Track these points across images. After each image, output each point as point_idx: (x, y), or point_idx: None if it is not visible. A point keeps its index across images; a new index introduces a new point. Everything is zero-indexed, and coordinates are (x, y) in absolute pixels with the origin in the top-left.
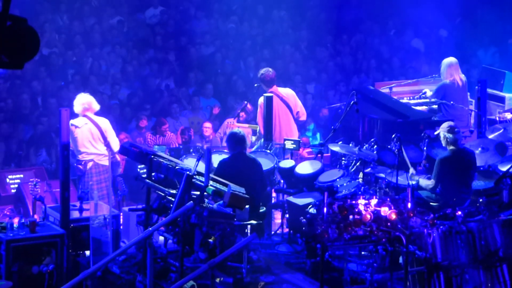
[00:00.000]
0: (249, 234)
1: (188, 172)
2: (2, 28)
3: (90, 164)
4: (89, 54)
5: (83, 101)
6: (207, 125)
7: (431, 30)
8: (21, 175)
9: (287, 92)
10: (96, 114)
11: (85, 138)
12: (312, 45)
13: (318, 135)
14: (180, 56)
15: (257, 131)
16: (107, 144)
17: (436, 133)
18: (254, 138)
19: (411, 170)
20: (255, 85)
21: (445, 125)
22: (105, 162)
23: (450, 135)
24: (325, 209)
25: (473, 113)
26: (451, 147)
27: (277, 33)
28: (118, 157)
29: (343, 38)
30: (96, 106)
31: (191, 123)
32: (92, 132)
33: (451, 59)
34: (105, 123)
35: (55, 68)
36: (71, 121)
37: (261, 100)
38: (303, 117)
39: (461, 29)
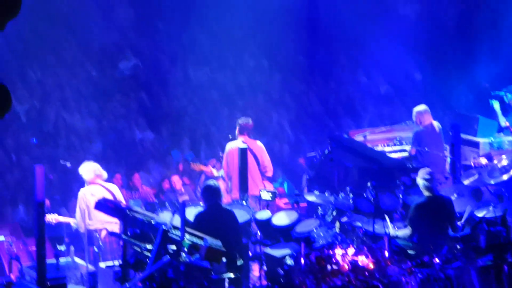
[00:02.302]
0: None
1: (163, 226)
2: None
3: (103, 233)
4: (63, 109)
5: (95, 168)
6: (175, 178)
7: (404, 75)
8: None
9: (257, 144)
10: None
11: None
12: (285, 93)
13: (285, 185)
14: (154, 109)
15: (221, 176)
16: None
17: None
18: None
19: (390, 226)
20: (230, 136)
21: (421, 171)
22: (117, 229)
23: (425, 182)
24: (302, 260)
25: (448, 159)
26: (427, 194)
27: (250, 82)
28: None
29: (316, 85)
30: (105, 173)
31: (163, 176)
32: None
33: (421, 107)
34: (116, 190)
35: (28, 124)
36: (84, 190)
37: (227, 147)
38: (270, 173)
39: (435, 73)
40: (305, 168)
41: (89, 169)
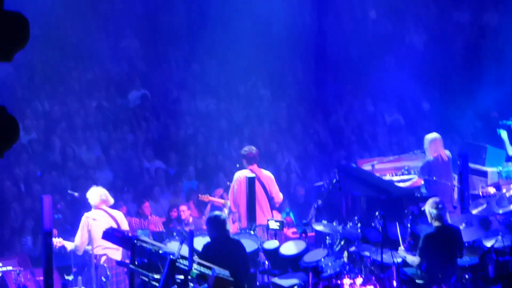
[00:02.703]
0: None
1: (171, 256)
2: None
3: (103, 259)
4: (70, 139)
5: (101, 192)
6: (183, 208)
7: (412, 104)
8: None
9: (266, 174)
10: None
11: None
12: (292, 122)
13: (291, 214)
14: (162, 138)
15: (227, 205)
16: None
17: (422, 209)
18: (226, 211)
19: (401, 248)
20: (237, 165)
21: (430, 201)
22: (118, 256)
23: (434, 211)
24: None
25: (456, 188)
26: (436, 223)
27: (257, 111)
28: None
29: (324, 114)
30: (111, 199)
31: (172, 205)
32: (109, 226)
33: (434, 135)
34: (120, 216)
35: (36, 154)
36: (88, 214)
37: (236, 176)
38: (277, 204)
39: (442, 102)
40: (306, 198)
41: (95, 194)
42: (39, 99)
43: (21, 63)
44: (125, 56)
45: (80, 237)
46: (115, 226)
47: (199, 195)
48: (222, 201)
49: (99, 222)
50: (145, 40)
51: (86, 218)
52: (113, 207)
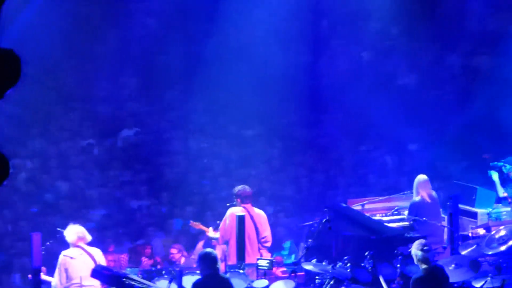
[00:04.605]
0: None
1: None
2: None
3: None
4: (62, 178)
5: (78, 230)
6: (173, 250)
7: (403, 145)
8: None
9: (259, 213)
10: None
11: (79, 270)
12: (285, 163)
13: (293, 256)
14: (154, 177)
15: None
16: None
17: (409, 250)
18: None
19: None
20: (227, 204)
21: (416, 243)
22: None
23: (419, 253)
24: None
25: (445, 229)
26: (423, 266)
27: (250, 152)
28: None
29: (317, 154)
30: (89, 237)
31: (164, 245)
32: (86, 264)
33: (419, 177)
34: (98, 254)
35: (27, 193)
36: (65, 252)
37: (229, 212)
38: (268, 244)
39: (433, 143)
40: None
41: (72, 232)
42: (32, 138)
43: (13, 101)
44: (118, 96)
45: (57, 276)
46: (92, 263)
47: (191, 221)
48: (210, 231)
49: (76, 260)
50: (139, 80)
51: (64, 257)
52: (103, 245)
